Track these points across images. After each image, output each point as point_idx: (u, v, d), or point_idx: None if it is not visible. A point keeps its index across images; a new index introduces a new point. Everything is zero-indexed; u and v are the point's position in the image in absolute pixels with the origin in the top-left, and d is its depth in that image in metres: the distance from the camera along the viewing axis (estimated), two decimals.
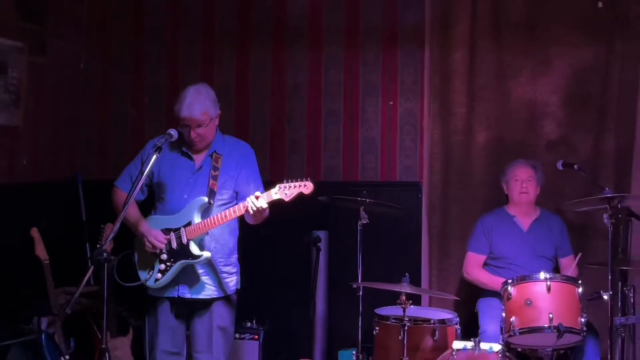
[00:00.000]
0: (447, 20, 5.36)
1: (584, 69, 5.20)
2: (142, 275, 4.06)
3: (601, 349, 4.63)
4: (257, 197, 3.87)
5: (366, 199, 4.53)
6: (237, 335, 5.07)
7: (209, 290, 4.06)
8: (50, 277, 4.63)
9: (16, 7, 5.08)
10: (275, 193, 3.88)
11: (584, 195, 4.83)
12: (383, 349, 4.53)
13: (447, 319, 4.55)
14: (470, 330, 4.69)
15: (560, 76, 5.23)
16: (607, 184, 4.86)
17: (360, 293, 4.54)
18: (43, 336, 4.56)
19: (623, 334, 4.53)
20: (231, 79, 5.69)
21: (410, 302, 4.35)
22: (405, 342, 4.27)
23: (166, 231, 3.99)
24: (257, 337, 5.25)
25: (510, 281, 4.35)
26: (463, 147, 5.36)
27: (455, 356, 4.12)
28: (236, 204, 4.03)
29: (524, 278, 4.33)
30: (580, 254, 4.80)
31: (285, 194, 3.88)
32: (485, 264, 4.93)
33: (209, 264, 4.03)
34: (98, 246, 3.83)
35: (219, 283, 4.08)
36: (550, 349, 4.20)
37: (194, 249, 3.97)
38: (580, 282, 4.34)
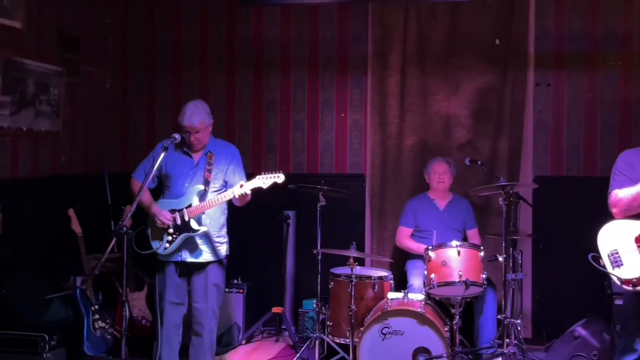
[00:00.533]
0: (384, 53, 5.39)
1: (485, 90, 5.25)
2: (154, 244, 4.06)
3: (497, 298, 4.68)
4: (241, 186, 3.89)
5: (324, 186, 4.56)
6: (226, 290, 5.06)
7: (205, 255, 4.07)
8: (82, 246, 4.61)
9: (57, 41, 5.04)
10: (256, 182, 3.90)
11: (485, 183, 4.90)
12: (336, 299, 4.57)
13: (384, 276, 4.61)
14: (401, 284, 4.75)
15: (467, 95, 5.28)
16: (502, 175, 4.94)
17: (319, 257, 4.57)
18: (77, 291, 4.54)
19: (513, 287, 4.64)
20: (222, 96, 5.67)
21: (357, 263, 4.41)
22: (352, 294, 4.33)
23: (172, 211, 4.00)
24: (242, 290, 5.25)
25: (430, 247, 4.41)
26: (396, 148, 5.39)
27: (389, 304, 4.18)
28: (225, 190, 4.05)
29: (441, 245, 4.39)
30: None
31: (263, 182, 3.90)
32: (412, 235, 4.98)
33: (205, 235, 4.04)
34: (120, 223, 3.81)
35: (213, 250, 4.08)
36: (460, 297, 4.25)
37: (194, 224, 3.98)
38: (482, 247, 4.42)
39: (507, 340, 4.37)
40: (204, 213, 4.01)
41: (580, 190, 5.04)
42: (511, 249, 4.56)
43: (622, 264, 3.21)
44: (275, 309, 5.17)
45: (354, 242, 4.49)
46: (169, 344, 4.09)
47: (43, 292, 4.74)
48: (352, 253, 4.38)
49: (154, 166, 3.79)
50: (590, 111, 5.19)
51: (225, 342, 5.01)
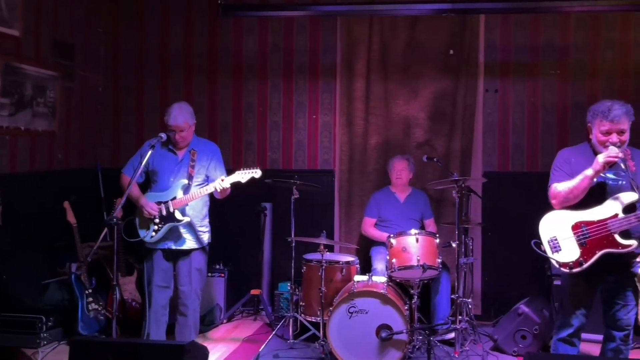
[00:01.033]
0: (351, 61, 5.36)
1: (440, 95, 5.25)
2: (142, 233, 4.00)
3: (451, 279, 4.72)
4: (222, 180, 3.85)
5: (297, 181, 4.52)
6: (209, 274, 5.03)
7: (189, 243, 4.02)
8: (77, 235, 4.55)
9: (53, 48, 4.92)
10: (235, 177, 3.86)
11: (440, 178, 4.92)
12: (308, 282, 4.55)
13: (351, 260, 4.59)
14: (366, 268, 4.74)
15: (425, 99, 5.27)
16: (455, 171, 4.98)
17: (293, 244, 4.54)
18: (73, 276, 4.49)
19: (465, 269, 4.66)
20: (205, 99, 5.58)
21: (326, 250, 4.39)
22: (323, 277, 4.31)
23: (158, 203, 3.94)
24: (223, 275, 5.20)
25: (392, 235, 4.41)
26: (361, 146, 5.36)
27: (356, 285, 4.17)
28: (207, 184, 3.99)
29: (401, 233, 4.39)
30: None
31: (242, 177, 3.87)
32: (375, 225, 4.96)
33: (189, 225, 3.99)
34: (111, 214, 3.74)
35: (196, 238, 4.04)
36: (418, 279, 4.26)
37: (178, 215, 3.93)
38: (437, 235, 4.42)
39: (460, 317, 4.40)
40: (187, 205, 3.95)
41: (524, 184, 5.08)
42: (463, 236, 4.58)
43: (560, 249, 3.23)
44: (254, 291, 5.14)
45: (324, 231, 4.48)
46: (157, 323, 4.03)
47: (41, 278, 4.65)
48: (323, 240, 4.36)
49: (142, 162, 3.73)
50: (532, 114, 5.22)
51: (208, 322, 4.97)
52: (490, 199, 5.14)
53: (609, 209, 3.18)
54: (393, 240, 4.34)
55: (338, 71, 5.43)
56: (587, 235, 3.18)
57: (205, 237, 4.09)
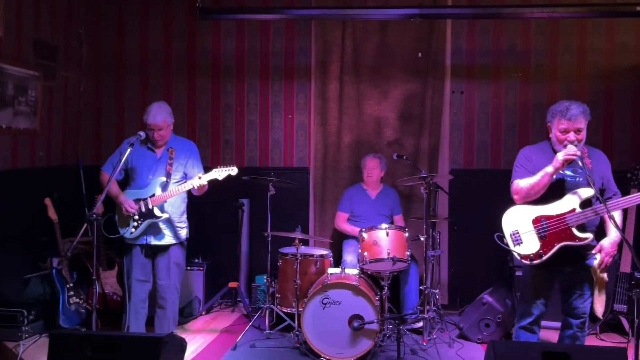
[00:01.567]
0: (325, 64, 5.31)
1: (409, 96, 5.25)
2: (121, 230, 3.91)
3: (419, 271, 4.72)
4: (199, 177, 3.78)
5: (273, 178, 4.47)
6: (188, 268, 4.97)
7: (167, 238, 3.94)
8: (58, 231, 4.42)
9: (34, 49, 4.77)
10: (212, 175, 3.80)
11: (410, 175, 4.87)
12: (284, 274, 4.52)
13: (325, 254, 4.56)
14: (339, 261, 4.70)
15: (395, 100, 5.26)
16: (423, 168, 4.96)
17: (269, 239, 4.49)
18: (54, 271, 4.37)
19: (433, 262, 4.66)
20: (184, 99, 5.49)
21: (301, 244, 4.36)
22: (298, 270, 4.28)
23: (137, 200, 3.85)
24: (202, 268, 5.12)
25: (364, 229, 4.38)
26: (335, 145, 5.32)
27: (329, 278, 4.15)
28: (185, 182, 3.91)
29: (372, 227, 4.36)
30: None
31: (219, 175, 3.81)
32: (348, 219, 4.94)
33: (167, 221, 3.91)
34: (91, 211, 3.64)
35: (175, 233, 3.96)
36: (388, 271, 4.25)
37: (157, 211, 3.85)
38: (406, 229, 4.40)
39: (428, 307, 4.41)
40: (166, 202, 3.87)
41: (488, 180, 5.09)
42: (431, 230, 4.58)
43: (521, 242, 3.23)
44: (232, 284, 5.08)
45: (299, 226, 4.44)
46: (136, 316, 3.96)
47: (23, 272, 4.52)
48: (298, 235, 4.32)
49: (121, 160, 3.64)
50: (496, 114, 5.24)
51: (187, 313, 4.89)
52: (456, 194, 5.16)
53: (567, 204, 3.19)
54: (365, 235, 4.32)
55: (313, 73, 5.38)
56: (546, 229, 3.19)
57: (184, 233, 4.01)
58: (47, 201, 4.42)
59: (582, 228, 3.17)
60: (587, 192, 3.17)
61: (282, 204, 5.06)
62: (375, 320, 3.92)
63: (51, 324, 4.29)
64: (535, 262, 3.19)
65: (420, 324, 4.39)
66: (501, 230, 3.28)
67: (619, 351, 2.87)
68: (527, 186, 3.24)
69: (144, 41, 5.51)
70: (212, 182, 3.84)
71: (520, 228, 3.24)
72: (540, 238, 3.19)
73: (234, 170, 3.81)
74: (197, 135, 5.45)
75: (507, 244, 3.26)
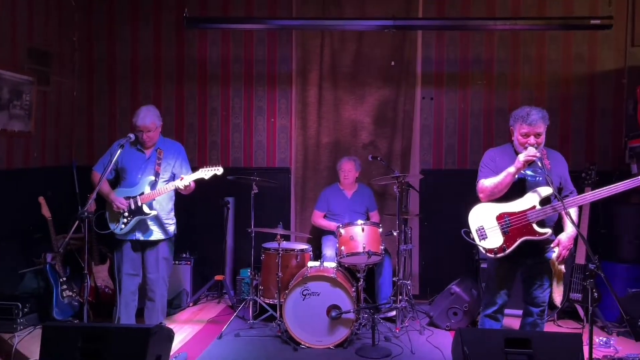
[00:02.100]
0: (305, 71, 5.29)
1: (383, 101, 5.25)
2: (112, 226, 3.82)
3: (392, 264, 4.72)
4: (181, 179, 3.73)
5: (257, 178, 4.42)
6: (176, 262, 4.91)
7: (156, 234, 3.86)
8: (52, 228, 4.32)
9: (29, 55, 4.66)
10: (198, 174, 3.74)
11: (383, 175, 4.88)
12: (267, 268, 4.48)
13: (305, 248, 4.54)
14: (318, 255, 4.70)
15: (370, 105, 5.26)
16: (396, 168, 4.97)
17: (253, 234, 4.44)
18: (48, 266, 4.28)
19: (405, 255, 4.66)
20: (172, 103, 5.42)
21: (283, 239, 4.33)
22: (279, 263, 4.25)
23: (127, 198, 3.77)
24: (189, 262, 5.05)
25: (341, 225, 4.36)
26: (314, 147, 5.31)
27: (309, 271, 4.12)
28: (173, 181, 3.84)
29: (349, 224, 4.35)
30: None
31: (205, 174, 3.75)
32: (325, 217, 4.91)
33: (156, 218, 3.83)
34: (83, 208, 3.56)
35: (163, 230, 3.88)
36: (364, 264, 4.25)
37: (146, 209, 3.77)
38: (381, 225, 4.39)
39: (400, 297, 4.41)
40: (154, 199, 3.80)
41: (455, 179, 5.10)
42: (403, 225, 4.59)
43: (486, 237, 3.24)
44: (218, 277, 5.02)
45: (280, 222, 4.42)
46: (127, 308, 3.87)
47: (18, 267, 4.41)
48: (279, 231, 4.29)
49: (111, 161, 3.57)
50: (462, 119, 5.26)
51: (175, 305, 4.83)
52: (426, 193, 5.18)
53: (528, 201, 3.20)
54: (342, 230, 4.30)
55: (293, 79, 5.35)
56: (509, 225, 3.20)
57: (172, 229, 3.94)
58: (41, 199, 4.32)
59: (541, 224, 3.19)
60: (546, 191, 3.19)
61: (265, 201, 5.03)
62: (352, 310, 3.91)
63: (45, 316, 4.21)
64: (499, 255, 3.20)
65: (394, 313, 4.39)
66: (468, 226, 3.28)
67: (575, 336, 2.89)
68: (492, 185, 3.25)
69: (135, 48, 5.43)
70: (199, 181, 3.79)
71: (485, 224, 3.25)
72: (504, 233, 3.20)
73: (219, 170, 3.76)
74: (184, 137, 5.38)
75: (473, 239, 3.26)
